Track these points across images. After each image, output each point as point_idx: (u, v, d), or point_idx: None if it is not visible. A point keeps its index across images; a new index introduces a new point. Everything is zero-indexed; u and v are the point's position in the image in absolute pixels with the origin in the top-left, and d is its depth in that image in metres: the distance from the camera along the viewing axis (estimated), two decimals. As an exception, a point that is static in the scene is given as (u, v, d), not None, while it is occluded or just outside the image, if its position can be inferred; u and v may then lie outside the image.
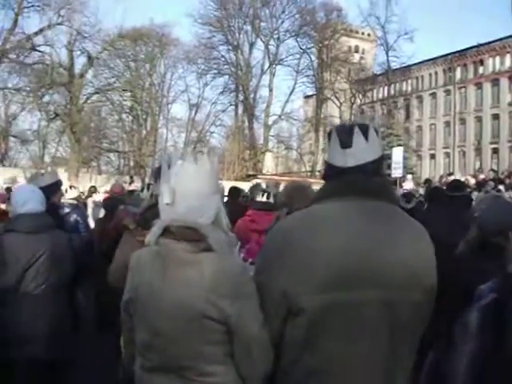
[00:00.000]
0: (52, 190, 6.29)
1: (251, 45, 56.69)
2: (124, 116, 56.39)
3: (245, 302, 2.66)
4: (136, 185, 18.25)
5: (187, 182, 2.82)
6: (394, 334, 2.51)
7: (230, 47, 56.36)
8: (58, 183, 6.61)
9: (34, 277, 4.95)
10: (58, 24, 47.69)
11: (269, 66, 56.67)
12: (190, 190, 2.81)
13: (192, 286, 2.66)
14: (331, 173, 2.76)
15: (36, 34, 47.81)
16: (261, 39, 56.93)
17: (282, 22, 56.66)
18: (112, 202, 8.68)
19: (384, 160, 2.85)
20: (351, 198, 2.62)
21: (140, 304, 2.85)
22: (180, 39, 55.18)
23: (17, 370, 4.86)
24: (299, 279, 2.50)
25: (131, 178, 34.54)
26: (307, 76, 59.03)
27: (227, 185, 12.49)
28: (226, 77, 57.28)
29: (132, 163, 55.23)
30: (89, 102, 53.06)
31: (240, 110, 57.36)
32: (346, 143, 2.68)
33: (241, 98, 56.60)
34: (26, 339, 4.79)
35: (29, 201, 5.14)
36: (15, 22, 46.86)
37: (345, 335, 2.51)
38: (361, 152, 2.67)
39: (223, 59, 56.91)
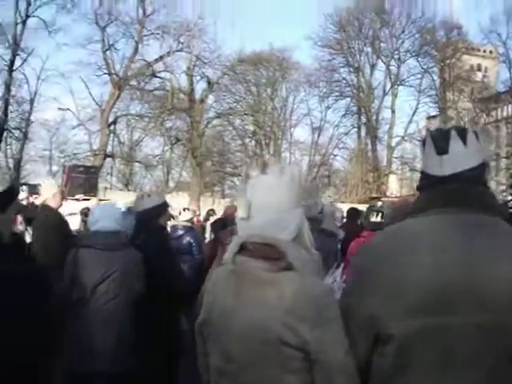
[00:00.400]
0: (158, 211, 6.33)
1: (372, 66, 56.27)
2: (247, 140, 56.91)
3: (327, 327, 2.39)
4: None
5: (264, 195, 2.62)
6: (496, 366, 2.14)
7: (351, 69, 56.12)
8: (164, 205, 6.54)
9: (106, 292, 5.22)
10: (178, 51, 49.04)
11: (390, 87, 55.87)
12: (266, 203, 2.60)
13: (268, 308, 2.45)
14: (426, 183, 2.51)
15: (156, 60, 49.27)
16: (381, 60, 56.34)
17: (403, 42, 55.78)
18: (220, 224, 8.31)
19: (486, 167, 2.49)
20: (448, 210, 2.35)
21: (213, 326, 2.69)
22: (300, 62, 55.31)
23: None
24: (388, 302, 2.25)
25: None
26: (430, 96, 57.76)
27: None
28: (348, 99, 57.02)
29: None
30: (210, 126, 54.03)
31: (363, 133, 56.72)
32: (441, 149, 2.43)
33: (363, 120, 56.03)
34: (95, 353, 5.02)
35: (101, 219, 5.53)
36: (136, 49, 48.67)
37: (439, 366, 2.18)
38: (458, 158, 2.41)
39: (344, 81, 56.68)
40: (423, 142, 2.55)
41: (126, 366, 5.16)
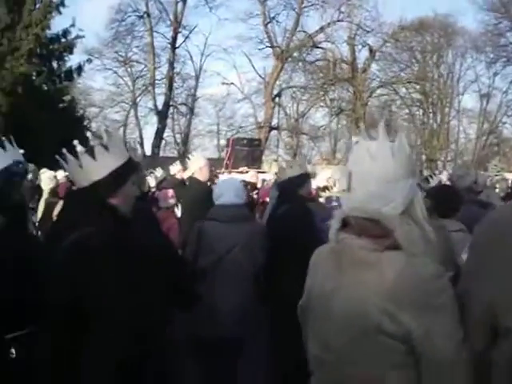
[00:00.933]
0: (298, 182, 6.33)
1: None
2: (414, 109, 55.42)
3: (436, 316, 2.11)
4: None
5: (366, 163, 2.33)
6: None
7: (517, 33, 52.97)
8: (305, 176, 6.48)
9: (231, 262, 5.39)
10: (339, 21, 48.55)
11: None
12: (369, 173, 2.32)
13: (367, 293, 2.22)
14: None
15: (317, 31, 49.00)
16: (550, 21, 52.80)
17: None
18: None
19: None
20: None
21: (311, 311, 2.52)
22: (466, 28, 53.01)
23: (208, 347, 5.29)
24: (507, 290, 1.93)
25: (420, 172, 33.71)
26: None
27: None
28: (517, 64, 53.95)
29: (424, 157, 53.64)
30: (374, 96, 53.23)
31: (533, 99, 53.56)
32: None
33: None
34: (218, 319, 5.22)
35: (224, 193, 5.66)
36: (297, 21, 48.70)
37: None
38: None
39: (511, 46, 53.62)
40: None
41: (245, 333, 5.38)
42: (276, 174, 11.01)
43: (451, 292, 2.13)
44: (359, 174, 2.31)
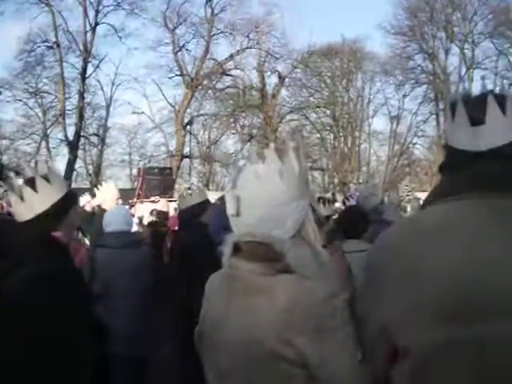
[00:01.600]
0: (200, 209, 6.50)
1: (446, 51, 54.79)
2: (324, 133, 56.20)
3: (331, 338, 2.06)
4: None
5: (253, 187, 2.27)
6: None
7: (426, 55, 54.89)
8: (206, 203, 6.67)
9: (121, 285, 5.66)
10: (248, 48, 49.30)
11: (466, 71, 54.25)
12: (257, 196, 2.25)
13: (260, 319, 2.14)
14: (454, 160, 2.08)
15: (227, 59, 49.76)
16: (455, 44, 54.86)
17: (476, 25, 54.05)
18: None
19: None
20: (478, 195, 1.93)
21: (205, 338, 2.41)
22: (374, 52, 54.75)
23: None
24: (401, 309, 1.88)
25: (333, 195, 34.23)
26: (506, 78, 55.68)
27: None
28: (425, 86, 56.02)
29: (336, 180, 54.28)
30: (284, 121, 53.89)
31: (441, 120, 54.95)
32: (476, 118, 2.00)
33: (441, 106, 54.49)
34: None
35: (113, 221, 6.07)
36: (206, 49, 49.17)
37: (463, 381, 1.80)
38: (498, 130, 1.97)
39: (420, 68, 55.64)
40: (451, 109, 2.09)
41: (142, 351, 5.76)
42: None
43: (346, 313, 2.09)
44: (247, 197, 2.25)
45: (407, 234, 1.99)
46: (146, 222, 10.79)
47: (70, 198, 3.35)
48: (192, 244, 6.09)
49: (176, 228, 10.48)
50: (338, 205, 14.33)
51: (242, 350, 2.17)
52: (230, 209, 2.28)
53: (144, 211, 12.62)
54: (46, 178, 3.19)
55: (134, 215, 10.36)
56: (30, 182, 3.16)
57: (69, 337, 2.93)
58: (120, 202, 6.84)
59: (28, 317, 2.85)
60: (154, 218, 11.69)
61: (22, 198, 3.13)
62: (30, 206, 3.12)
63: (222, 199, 7.51)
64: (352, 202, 8.25)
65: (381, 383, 1.98)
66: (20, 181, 3.19)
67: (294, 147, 2.30)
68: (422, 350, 1.82)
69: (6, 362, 2.80)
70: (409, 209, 14.44)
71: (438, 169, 2.21)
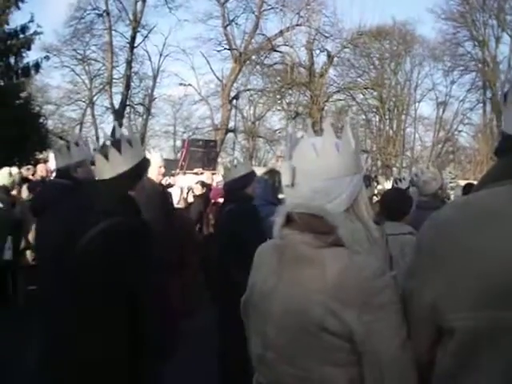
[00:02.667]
0: (245, 181, 6.40)
1: (497, 39, 53.55)
2: (370, 115, 56.00)
3: (378, 315, 2.07)
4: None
5: (310, 159, 2.29)
6: None
7: (476, 42, 53.78)
8: (251, 175, 6.56)
9: None
10: (298, 25, 48.81)
11: (516, 61, 53.24)
12: (313, 169, 2.28)
13: (309, 290, 2.17)
14: (507, 145, 2.01)
15: (276, 35, 49.26)
16: (507, 33, 53.47)
17: (528, 14, 52.88)
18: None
19: None
20: None
21: (253, 308, 2.45)
22: (424, 36, 53.89)
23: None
24: (451, 289, 1.85)
25: (375, 177, 33.89)
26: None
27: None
28: (473, 73, 54.90)
29: (379, 163, 54.03)
30: (331, 101, 53.28)
31: (488, 108, 54.47)
32: None
33: (488, 95, 53.81)
34: None
35: None
36: (256, 24, 48.81)
37: (506, 370, 1.76)
38: None
39: (469, 55, 54.56)
40: (504, 97, 2.04)
41: None
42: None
43: (394, 290, 2.10)
44: (303, 169, 2.27)
45: (460, 215, 1.96)
46: (190, 193, 10.82)
47: (145, 164, 3.63)
48: (237, 216, 6.06)
49: (219, 200, 10.58)
50: (379, 187, 14.24)
51: (289, 319, 2.20)
52: (286, 179, 2.30)
53: (188, 182, 12.67)
54: (129, 142, 3.47)
55: (172, 186, 10.38)
56: (116, 144, 3.44)
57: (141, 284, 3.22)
58: (163, 170, 6.83)
59: (115, 263, 3.18)
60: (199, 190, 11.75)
61: (106, 158, 3.41)
62: (114, 165, 3.42)
63: (270, 173, 7.47)
64: (403, 186, 8.17)
65: (424, 362, 2.00)
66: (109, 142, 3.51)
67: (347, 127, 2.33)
68: (467, 333, 1.81)
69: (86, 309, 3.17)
70: (452, 196, 14.23)
71: (494, 152, 2.16)
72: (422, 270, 1.99)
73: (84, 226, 3.32)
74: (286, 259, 2.29)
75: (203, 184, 11.70)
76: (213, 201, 11.92)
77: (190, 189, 11.16)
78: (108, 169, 3.42)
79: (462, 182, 18.08)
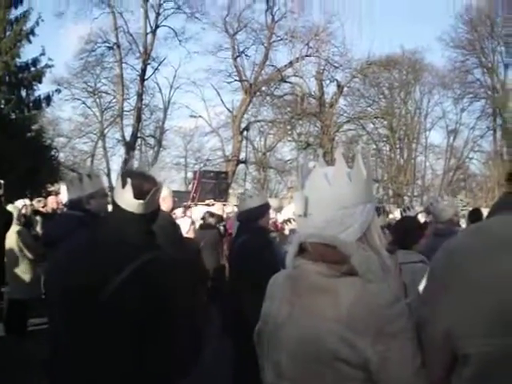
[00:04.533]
0: (259, 212, 6.40)
1: (506, 66, 53.43)
2: (381, 145, 55.95)
3: (392, 343, 2.05)
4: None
5: (322, 189, 2.29)
6: None
7: (485, 70, 54.03)
8: (265, 206, 6.58)
9: None
10: (307, 56, 48.94)
11: (526, 87, 53.24)
12: (325, 198, 2.27)
13: (323, 319, 2.16)
14: None
15: (286, 66, 49.36)
16: (515, 60, 53.70)
17: (536, 41, 53.00)
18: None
19: None
20: None
21: (266, 337, 2.44)
22: (433, 64, 54.16)
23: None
24: (464, 316, 1.85)
25: (383, 208, 33.90)
26: None
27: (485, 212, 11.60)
28: (483, 101, 55.07)
29: (391, 192, 53.91)
30: (341, 131, 53.17)
31: (499, 135, 54.36)
32: None
33: (499, 122, 53.66)
34: None
35: None
36: (266, 55, 48.93)
37: None
38: None
39: (478, 83, 54.76)
40: None
41: None
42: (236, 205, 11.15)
43: (408, 318, 2.09)
44: (316, 199, 2.27)
45: (471, 243, 1.97)
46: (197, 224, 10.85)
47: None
48: (250, 248, 6.05)
49: (231, 231, 10.61)
50: (391, 216, 14.23)
51: (303, 349, 2.19)
52: (299, 209, 2.30)
53: (199, 213, 12.74)
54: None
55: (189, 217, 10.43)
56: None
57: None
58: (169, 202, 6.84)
59: (164, 294, 3.27)
60: (210, 220, 11.78)
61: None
62: (143, 205, 3.43)
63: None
64: (411, 214, 8.28)
65: None
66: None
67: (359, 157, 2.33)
68: (482, 359, 1.80)
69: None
70: (462, 223, 14.20)
71: (506, 177, 2.18)
72: (435, 298, 1.99)
73: (118, 260, 3.28)
74: (300, 289, 2.28)
75: (211, 214, 11.73)
76: (228, 232, 11.95)
77: (203, 217, 11.23)
78: (139, 207, 3.42)
79: (474, 210, 18.00)
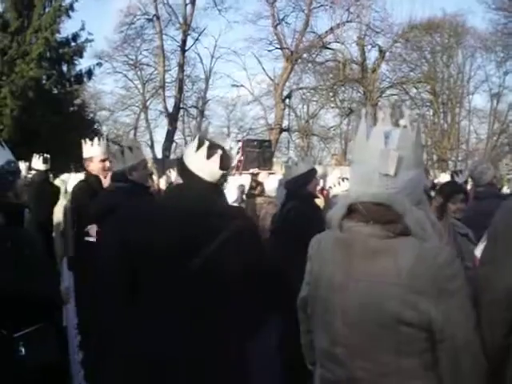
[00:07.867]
0: (305, 179, 6.43)
1: (550, 26, 52.39)
2: (424, 109, 55.13)
3: (453, 301, 2.09)
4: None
5: (408, 149, 2.26)
6: None
7: (528, 31, 52.47)
8: (311, 172, 6.59)
9: None
10: (348, 21, 48.17)
11: None
12: (412, 158, 2.28)
13: (383, 284, 2.16)
14: None
15: (327, 32, 48.65)
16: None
17: None
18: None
19: None
20: None
21: (319, 303, 2.42)
22: (475, 27, 52.87)
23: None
24: None
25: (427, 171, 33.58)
26: None
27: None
28: (524, 63, 53.60)
29: (435, 157, 53.43)
30: (384, 96, 52.73)
31: (544, 97, 53.25)
32: None
33: (544, 84, 52.67)
34: None
35: None
36: (306, 22, 48.24)
37: None
38: None
39: (521, 45, 53.30)
40: None
41: None
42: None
43: (464, 276, 2.11)
44: (405, 159, 2.25)
45: None
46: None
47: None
48: (301, 213, 6.08)
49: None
50: (435, 181, 14.13)
51: (363, 313, 2.20)
52: (388, 168, 2.23)
53: (244, 182, 12.73)
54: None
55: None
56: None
57: None
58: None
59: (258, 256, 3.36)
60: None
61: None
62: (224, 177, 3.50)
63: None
64: (460, 179, 8.29)
65: (496, 347, 2.05)
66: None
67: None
68: None
69: None
70: (505, 188, 14.08)
71: None
72: (497, 256, 2.04)
73: (206, 230, 3.27)
74: (356, 253, 2.26)
75: (256, 182, 11.69)
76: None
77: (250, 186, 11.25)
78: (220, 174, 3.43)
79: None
